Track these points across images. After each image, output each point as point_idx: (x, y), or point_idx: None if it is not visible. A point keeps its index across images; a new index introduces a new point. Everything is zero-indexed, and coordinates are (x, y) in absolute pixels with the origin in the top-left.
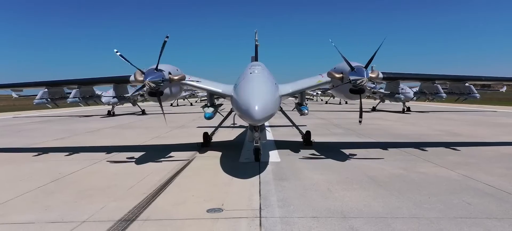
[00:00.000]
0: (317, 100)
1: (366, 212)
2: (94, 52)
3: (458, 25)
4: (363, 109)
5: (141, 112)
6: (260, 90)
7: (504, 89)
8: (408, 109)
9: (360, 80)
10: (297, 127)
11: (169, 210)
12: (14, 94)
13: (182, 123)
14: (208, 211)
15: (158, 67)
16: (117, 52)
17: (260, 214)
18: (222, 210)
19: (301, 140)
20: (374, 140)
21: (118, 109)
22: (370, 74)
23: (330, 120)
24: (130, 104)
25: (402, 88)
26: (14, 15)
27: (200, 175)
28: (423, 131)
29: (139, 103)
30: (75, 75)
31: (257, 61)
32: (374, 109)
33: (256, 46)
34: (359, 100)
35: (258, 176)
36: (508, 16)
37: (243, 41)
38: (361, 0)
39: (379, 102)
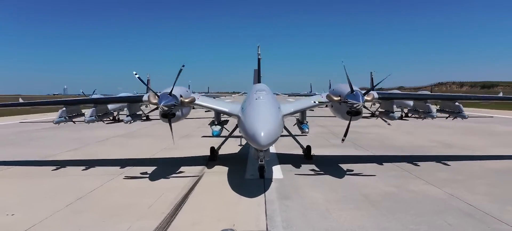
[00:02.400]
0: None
1: None
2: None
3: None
4: (363, 115)
5: (145, 118)
6: (265, 118)
7: (501, 94)
8: (406, 115)
9: (356, 104)
10: (298, 141)
11: (188, 228)
12: (20, 100)
13: (187, 131)
14: None
15: (168, 92)
16: (136, 74)
17: None
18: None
19: (302, 153)
20: (370, 153)
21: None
22: (366, 98)
23: (329, 128)
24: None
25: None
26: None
27: (211, 192)
28: (418, 142)
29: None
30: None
31: (260, 73)
32: (373, 115)
33: (259, 60)
34: (353, 119)
35: (263, 194)
36: None
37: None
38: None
39: (378, 108)
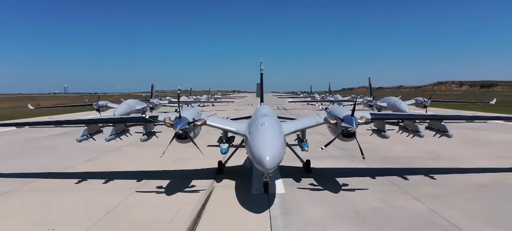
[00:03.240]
0: (319, 106)
1: None
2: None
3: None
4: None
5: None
6: (270, 144)
7: (493, 101)
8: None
9: (350, 128)
10: (298, 156)
11: None
12: (30, 106)
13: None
14: None
15: (182, 115)
16: (178, 90)
17: None
18: None
19: (302, 165)
20: (365, 166)
21: None
22: (359, 121)
23: (328, 136)
24: (139, 113)
25: (400, 103)
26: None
27: (222, 208)
28: (410, 153)
29: (148, 113)
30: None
31: (262, 86)
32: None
33: (261, 75)
34: (347, 141)
35: (268, 210)
36: None
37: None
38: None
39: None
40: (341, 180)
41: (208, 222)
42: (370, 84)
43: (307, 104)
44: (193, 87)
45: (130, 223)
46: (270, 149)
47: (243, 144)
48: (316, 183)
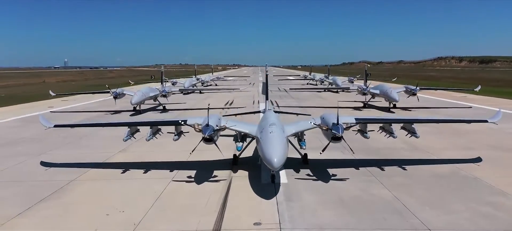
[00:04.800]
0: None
1: (333, 226)
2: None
3: None
4: (354, 106)
5: (162, 109)
6: (277, 148)
7: (478, 88)
8: (394, 106)
9: (338, 134)
10: (298, 151)
11: (233, 223)
12: (51, 93)
13: None
14: (254, 224)
15: (209, 123)
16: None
17: (280, 226)
18: (261, 224)
19: (300, 157)
20: (351, 157)
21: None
22: (344, 127)
23: (321, 136)
24: (152, 100)
25: (391, 91)
26: None
27: (241, 195)
28: (391, 144)
29: (160, 99)
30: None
31: (267, 85)
32: (365, 106)
33: (266, 75)
34: (335, 142)
35: (275, 197)
36: None
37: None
38: None
39: (370, 99)
40: (331, 171)
41: (232, 206)
42: (366, 72)
43: (307, 84)
44: (192, 61)
45: (177, 207)
46: (277, 153)
47: (254, 140)
48: (311, 174)
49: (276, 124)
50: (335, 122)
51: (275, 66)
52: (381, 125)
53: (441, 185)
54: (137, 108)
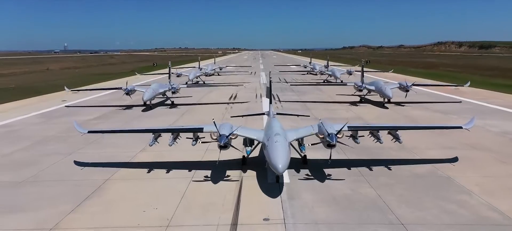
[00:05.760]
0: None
1: (326, 221)
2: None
3: None
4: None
5: (171, 104)
6: (281, 155)
7: (468, 84)
8: (388, 101)
9: (332, 143)
10: (298, 152)
11: (246, 219)
12: (66, 89)
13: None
14: (263, 219)
15: (221, 133)
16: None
17: (284, 221)
18: (269, 219)
19: (300, 157)
20: (345, 157)
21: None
22: (338, 136)
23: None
24: (161, 95)
25: (385, 88)
26: None
27: (251, 194)
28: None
29: (168, 94)
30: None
31: (271, 90)
32: (361, 100)
33: (270, 81)
34: (331, 149)
35: (280, 196)
36: None
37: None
38: None
39: (367, 93)
40: (327, 171)
41: (244, 204)
42: (362, 68)
43: (307, 73)
44: (192, 44)
45: (199, 204)
46: (281, 160)
47: (262, 150)
48: (309, 174)
49: (280, 133)
50: (331, 131)
51: (275, 50)
52: (369, 131)
53: (418, 184)
54: (148, 103)
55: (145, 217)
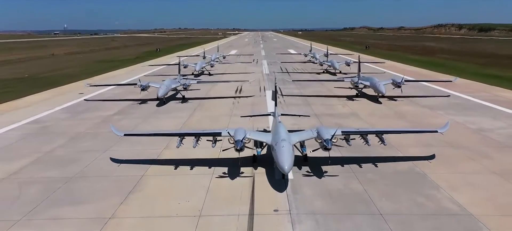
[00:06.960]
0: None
1: (322, 212)
2: None
3: None
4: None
5: (182, 98)
6: (287, 158)
7: (456, 80)
8: (382, 96)
9: (328, 146)
10: (300, 151)
11: (260, 210)
12: (86, 84)
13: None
14: (274, 210)
15: (237, 139)
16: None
17: (290, 212)
18: (278, 210)
19: (301, 155)
20: (340, 155)
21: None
22: (333, 141)
23: (319, 120)
24: (173, 91)
25: (379, 85)
26: None
27: (262, 188)
28: (371, 141)
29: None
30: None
31: (276, 95)
32: (357, 95)
33: (276, 86)
34: (327, 151)
35: (285, 191)
36: None
37: None
38: None
39: (363, 88)
40: (324, 168)
41: (258, 197)
42: (359, 64)
43: (308, 61)
44: (191, 25)
45: (222, 198)
46: (287, 162)
47: (270, 151)
48: (309, 170)
49: (286, 139)
50: (327, 137)
51: (275, 30)
52: (359, 135)
53: (398, 180)
54: (163, 99)
55: (181, 208)
